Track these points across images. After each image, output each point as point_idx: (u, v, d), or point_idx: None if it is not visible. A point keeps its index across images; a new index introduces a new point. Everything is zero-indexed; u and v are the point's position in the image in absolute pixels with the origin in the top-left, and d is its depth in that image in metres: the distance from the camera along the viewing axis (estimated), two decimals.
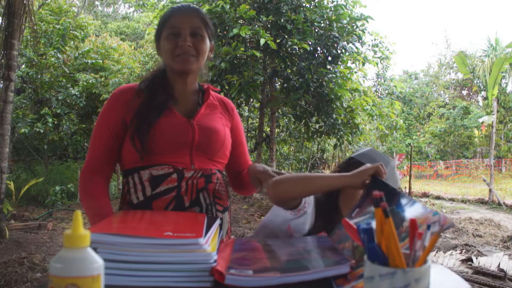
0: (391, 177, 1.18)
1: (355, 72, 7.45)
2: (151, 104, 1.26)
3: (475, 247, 4.89)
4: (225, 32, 6.02)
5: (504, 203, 9.35)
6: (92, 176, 1.27)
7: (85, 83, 8.95)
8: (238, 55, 5.98)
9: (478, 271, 3.74)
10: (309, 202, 1.18)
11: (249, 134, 8.76)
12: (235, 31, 5.59)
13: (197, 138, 1.25)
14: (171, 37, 1.26)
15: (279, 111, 8.11)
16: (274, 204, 1.15)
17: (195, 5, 1.35)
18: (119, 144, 1.28)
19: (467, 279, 3.41)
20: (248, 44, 6.29)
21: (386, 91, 11.01)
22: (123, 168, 1.30)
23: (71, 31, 8.92)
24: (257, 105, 7.85)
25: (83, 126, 9.28)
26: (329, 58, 6.55)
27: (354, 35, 6.55)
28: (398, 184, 1.26)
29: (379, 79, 12.23)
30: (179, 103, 1.31)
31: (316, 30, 6.44)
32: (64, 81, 9.18)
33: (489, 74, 10.46)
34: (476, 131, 20.05)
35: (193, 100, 1.35)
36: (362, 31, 6.64)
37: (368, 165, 1.03)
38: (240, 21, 6.14)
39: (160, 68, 1.37)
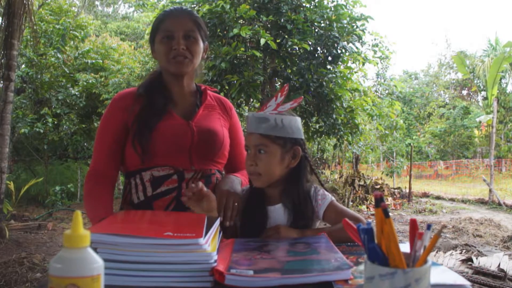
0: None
1: (355, 72, 7.43)
2: (150, 109, 1.27)
3: (475, 247, 4.88)
4: (225, 32, 6.01)
5: (504, 203, 9.34)
6: (98, 180, 1.28)
7: (85, 83, 8.93)
8: (238, 55, 5.97)
9: (478, 271, 3.73)
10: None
11: None
12: (235, 31, 5.58)
13: (196, 139, 1.27)
14: (165, 40, 1.27)
15: None
16: None
17: (187, 8, 1.37)
18: (122, 147, 1.30)
19: (467, 279, 3.40)
20: (248, 44, 6.28)
21: (386, 91, 10.96)
22: (126, 170, 1.32)
23: (71, 31, 8.90)
24: (257, 105, 7.84)
25: (83, 126, 9.26)
26: (329, 58, 6.54)
27: (354, 35, 6.54)
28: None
29: (379, 79, 12.19)
30: (177, 105, 1.32)
31: (316, 30, 6.43)
32: (64, 81, 9.17)
33: (489, 73, 10.45)
34: (476, 131, 20.07)
35: (191, 102, 1.36)
36: (362, 31, 6.62)
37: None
38: (240, 21, 6.13)
39: (157, 71, 1.38)
